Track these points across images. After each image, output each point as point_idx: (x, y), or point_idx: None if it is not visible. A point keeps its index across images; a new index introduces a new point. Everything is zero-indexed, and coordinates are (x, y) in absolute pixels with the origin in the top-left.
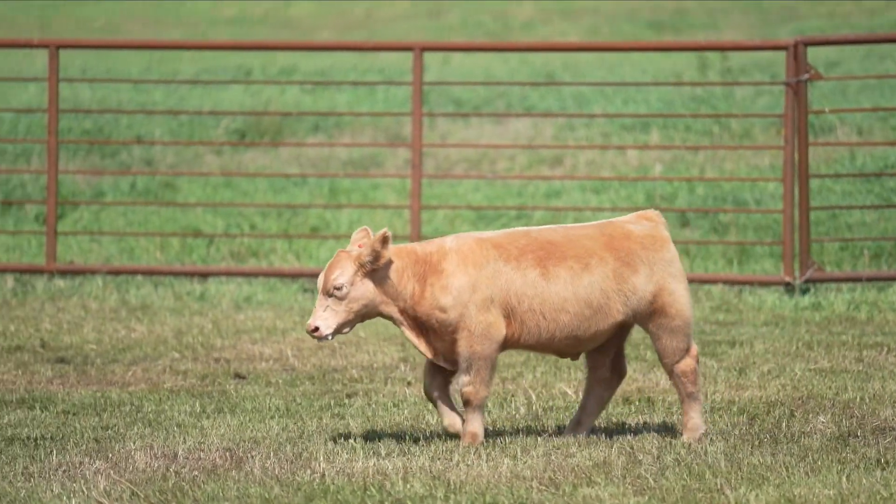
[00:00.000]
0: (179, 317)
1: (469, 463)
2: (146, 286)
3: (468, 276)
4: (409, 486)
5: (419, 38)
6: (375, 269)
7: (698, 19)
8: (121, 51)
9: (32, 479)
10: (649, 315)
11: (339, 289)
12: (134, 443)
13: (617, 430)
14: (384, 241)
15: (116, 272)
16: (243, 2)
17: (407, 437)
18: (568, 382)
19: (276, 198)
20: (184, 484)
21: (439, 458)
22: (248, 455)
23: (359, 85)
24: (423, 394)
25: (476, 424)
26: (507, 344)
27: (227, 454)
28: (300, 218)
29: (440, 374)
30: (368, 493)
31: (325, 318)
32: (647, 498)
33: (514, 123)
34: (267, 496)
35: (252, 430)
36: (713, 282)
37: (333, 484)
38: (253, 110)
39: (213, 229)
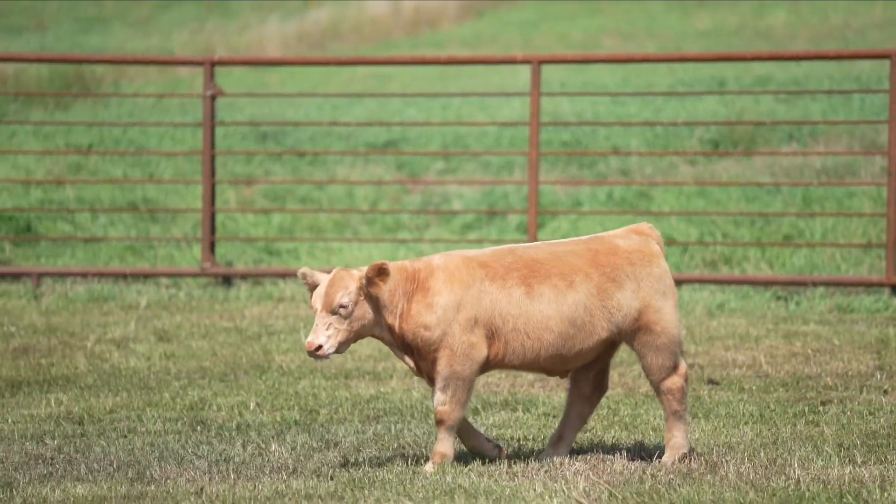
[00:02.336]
0: None
1: None
2: None
3: (454, 294)
4: (886, 494)
5: None
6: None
7: None
8: (598, 65)
9: (516, 479)
10: (634, 332)
11: (344, 307)
12: (611, 445)
13: None
14: (381, 273)
15: None
16: (717, 14)
17: (883, 446)
18: None
19: (748, 206)
20: (660, 487)
21: None
22: (723, 460)
23: (833, 93)
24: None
25: (447, 446)
26: (491, 364)
27: (702, 458)
28: (773, 226)
29: None
30: (844, 500)
31: (329, 335)
32: None
33: None
34: (742, 501)
35: (726, 436)
36: None
37: (808, 491)
38: (727, 120)
39: (686, 237)
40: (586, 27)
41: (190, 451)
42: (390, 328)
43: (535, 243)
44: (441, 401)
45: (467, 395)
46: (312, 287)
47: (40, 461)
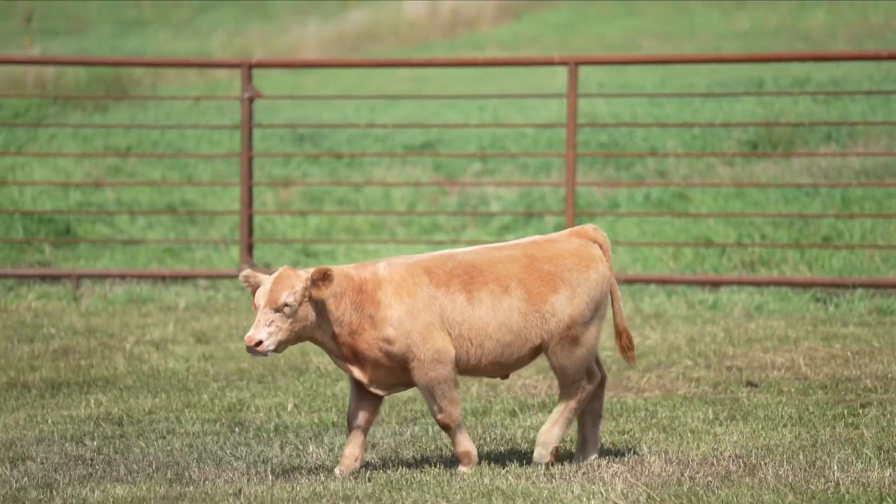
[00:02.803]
0: (692, 325)
1: None
2: (659, 295)
3: (404, 304)
4: None
5: None
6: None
7: None
8: (636, 66)
9: (554, 480)
10: (559, 340)
11: (289, 306)
12: (649, 447)
13: None
14: (325, 277)
15: (630, 281)
16: (756, 14)
17: None
18: None
19: (787, 208)
20: (698, 489)
21: None
22: (761, 462)
23: (872, 94)
24: (345, 420)
25: (465, 444)
26: None
27: (740, 461)
28: (812, 228)
29: (367, 402)
30: (884, 503)
31: (270, 332)
32: None
33: None
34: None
35: (764, 438)
36: None
37: (848, 493)
38: (765, 121)
39: (724, 239)
40: (624, 28)
41: (228, 452)
42: (334, 336)
43: (475, 248)
44: (435, 410)
45: (455, 391)
46: (254, 289)
47: (80, 462)
